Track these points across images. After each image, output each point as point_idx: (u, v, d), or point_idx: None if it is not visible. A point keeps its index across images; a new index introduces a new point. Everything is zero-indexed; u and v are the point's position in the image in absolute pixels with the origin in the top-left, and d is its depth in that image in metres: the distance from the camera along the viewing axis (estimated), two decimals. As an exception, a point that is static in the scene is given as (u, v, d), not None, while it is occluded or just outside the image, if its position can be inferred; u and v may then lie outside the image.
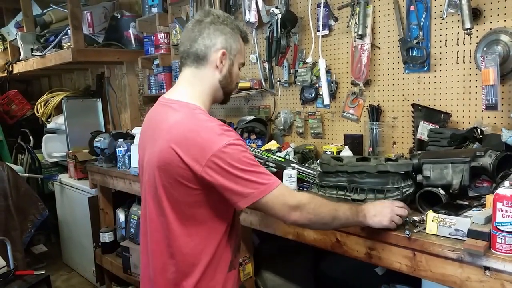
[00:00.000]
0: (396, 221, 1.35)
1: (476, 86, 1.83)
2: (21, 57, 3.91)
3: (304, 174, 2.00)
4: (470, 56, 1.83)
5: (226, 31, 1.32)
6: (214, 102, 1.38)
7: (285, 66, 2.53)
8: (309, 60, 2.35)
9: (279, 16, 2.34)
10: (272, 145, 2.43)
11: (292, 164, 1.99)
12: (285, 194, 1.23)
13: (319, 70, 2.30)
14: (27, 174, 4.03)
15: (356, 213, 1.32)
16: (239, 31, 1.36)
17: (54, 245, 4.16)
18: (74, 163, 3.56)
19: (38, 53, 3.59)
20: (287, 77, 2.55)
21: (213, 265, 1.29)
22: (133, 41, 3.49)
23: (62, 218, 3.85)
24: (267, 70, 2.61)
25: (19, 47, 3.92)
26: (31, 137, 4.53)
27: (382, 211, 1.35)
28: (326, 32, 2.33)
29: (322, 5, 2.26)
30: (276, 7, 2.38)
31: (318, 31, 2.33)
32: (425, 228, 1.34)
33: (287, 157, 2.16)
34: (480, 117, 1.83)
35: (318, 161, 1.98)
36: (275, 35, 2.36)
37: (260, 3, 2.50)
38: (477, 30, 1.78)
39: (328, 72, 2.33)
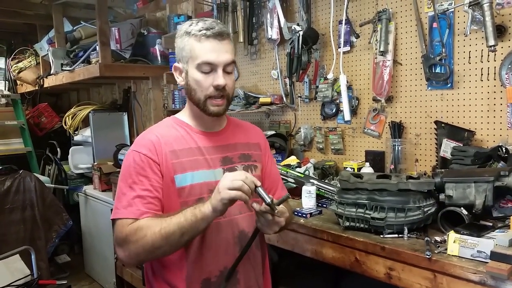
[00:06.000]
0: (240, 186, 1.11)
1: (501, 104, 1.79)
2: (52, 71, 4.06)
3: (323, 191, 1.99)
4: (495, 73, 1.79)
5: (177, 43, 1.30)
6: (203, 113, 1.32)
7: (306, 82, 2.54)
8: (330, 76, 2.35)
9: (301, 33, 2.36)
10: (292, 160, 2.43)
11: (312, 180, 1.99)
12: (120, 227, 1.22)
13: (340, 86, 2.29)
14: (53, 185, 4.14)
15: (193, 212, 1.15)
16: (187, 35, 1.26)
17: (77, 255, 4.24)
18: (99, 175, 3.64)
19: (68, 68, 3.72)
20: (307, 93, 2.56)
21: None
22: (158, 57, 3.57)
23: (85, 229, 3.92)
24: (288, 86, 2.63)
25: (50, 62, 4.07)
26: (58, 149, 4.67)
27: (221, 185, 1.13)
28: (348, 48, 2.34)
29: (343, 22, 2.27)
30: (298, 24, 2.41)
31: (339, 47, 2.34)
32: (446, 249, 1.31)
33: (306, 172, 2.16)
34: (505, 136, 1.78)
35: (338, 177, 1.97)
36: (296, 51, 2.38)
37: (282, 20, 2.53)
38: (502, 47, 1.75)
39: (349, 88, 2.32)
